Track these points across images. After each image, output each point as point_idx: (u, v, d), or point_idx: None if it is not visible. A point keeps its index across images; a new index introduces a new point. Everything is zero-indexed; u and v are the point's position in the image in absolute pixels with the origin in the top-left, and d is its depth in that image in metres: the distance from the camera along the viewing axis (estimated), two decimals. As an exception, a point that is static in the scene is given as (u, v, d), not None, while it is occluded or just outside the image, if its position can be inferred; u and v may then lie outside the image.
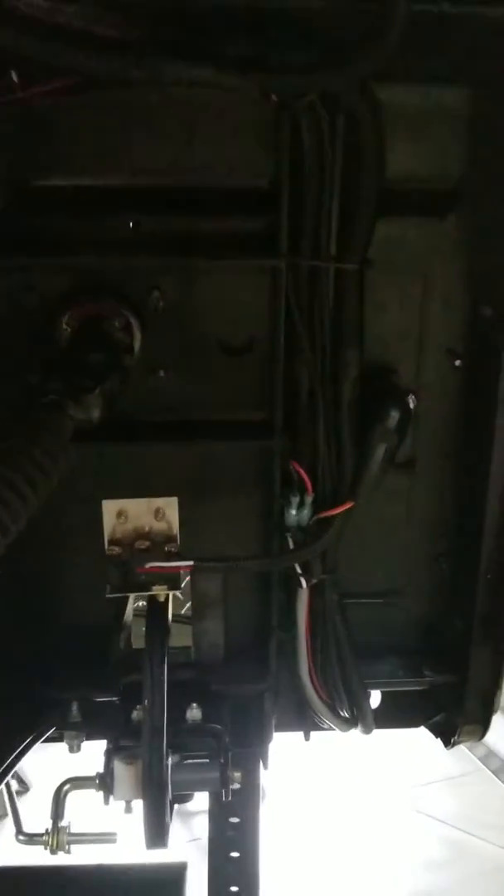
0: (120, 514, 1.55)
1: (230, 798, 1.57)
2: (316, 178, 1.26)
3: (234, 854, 2.02)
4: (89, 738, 1.75)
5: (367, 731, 1.74)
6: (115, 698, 1.68)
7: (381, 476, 1.45)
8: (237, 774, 1.58)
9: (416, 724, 1.83)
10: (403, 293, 1.42)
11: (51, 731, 1.71)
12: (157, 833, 1.48)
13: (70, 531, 1.58)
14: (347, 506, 1.45)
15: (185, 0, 1.07)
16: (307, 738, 1.78)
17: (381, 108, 1.24)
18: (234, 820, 2.05)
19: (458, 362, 1.47)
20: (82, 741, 1.77)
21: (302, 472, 1.45)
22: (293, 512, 1.47)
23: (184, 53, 1.06)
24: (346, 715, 1.68)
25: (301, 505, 1.47)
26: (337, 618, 1.58)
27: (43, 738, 1.70)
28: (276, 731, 1.77)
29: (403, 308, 1.43)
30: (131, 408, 1.47)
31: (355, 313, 1.35)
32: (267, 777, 1.84)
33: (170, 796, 1.53)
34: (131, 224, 1.33)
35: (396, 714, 1.80)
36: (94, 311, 1.37)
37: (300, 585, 1.54)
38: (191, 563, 1.49)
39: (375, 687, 1.70)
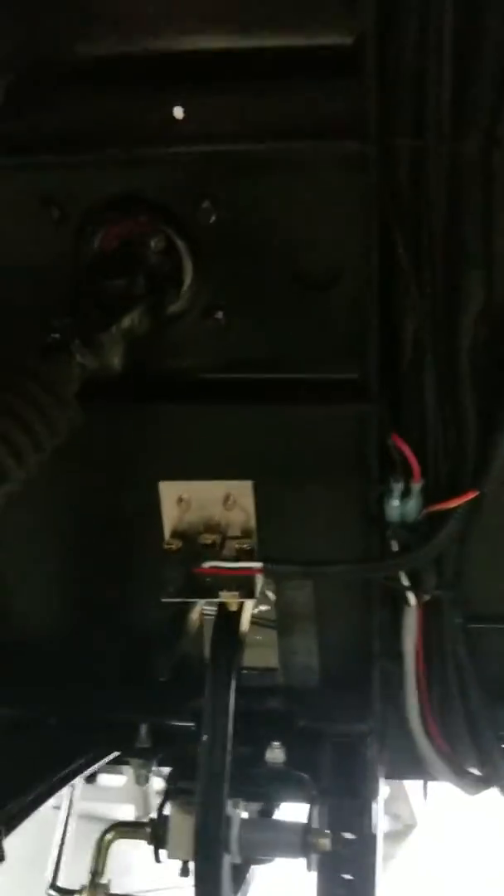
0: (181, 499, 1.23)
1: (314, 868, 1.21)
2: (415, 21, 0.86)
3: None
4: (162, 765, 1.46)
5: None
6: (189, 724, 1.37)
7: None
8: (326, 839, 1.22)
9: None
10: None
11: (110, 757, 1.43)
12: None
13: (125, 519, 1.27)
14: (469, 496, 1.04)
15: None
16: (425, 793, 1.39)
17: None
18: (348, 877, 1.71)
19: None
20: (150, 771, 1.48)
21: (406, 450, 1.05)
22: (396, 503, 1.08)
23: None
24: (475, 771, 1.28)
25: (406, 494, 1.07)
26: (460, 647, 1.17)
27: (98, 765, 1.42)
28: (391, 777, 1.40)
29: None
30: (184, 360, 1.13)
31: (481, 220, 0.93)
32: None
33: (236, 859, 1.21)
34: (169, 105, 0.97)
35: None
36: (126, 235, 1.03)
37: (407, 602, 1.15)
38: (259, 565, 1.14)
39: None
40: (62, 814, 1.48)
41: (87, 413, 0.94)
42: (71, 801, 1.51)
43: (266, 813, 1.31)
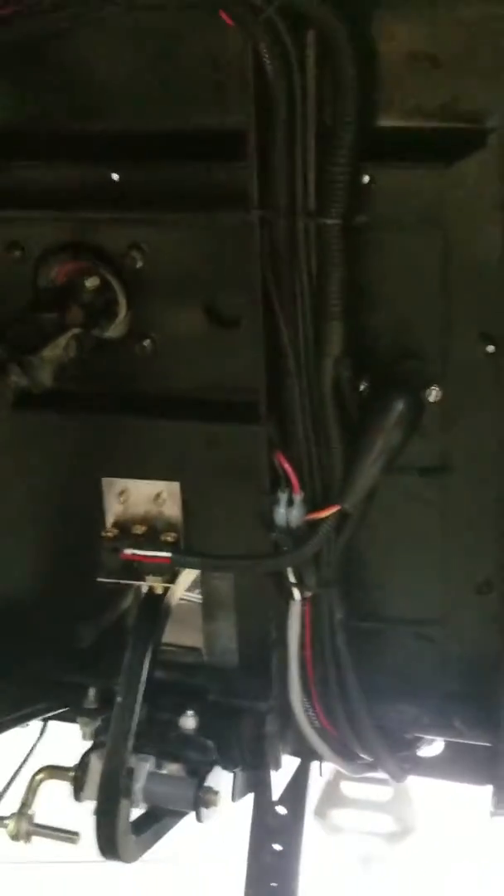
0: (121, 493, 1.45)
1: (201, 821, 1.41)
2: (284, 116, 1.06)
3: (273, 884, 1.86)
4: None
5: (395, 778, 1.49)
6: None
7: (378, 479, 1.21)
8: (215, 796, 1.41)
9: (480, 782, 1.54)
10: (419, 258, 1.16)
11: (60, 710, 1.66)
12: (107, 841, 1.36)
13: (74, 507, 1.50)
14: (333, 509, 1.22)
15: None
16: (321, 771, 1.56)
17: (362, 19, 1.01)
18: (277, 847, 1.89)
19: (491, 348, 1.18)
20: (97, 728, 1.70)
21: (286, 465, 1.24)
22: (281, 510, 1.27)
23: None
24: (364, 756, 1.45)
25: (290, 504, 1.27)
26: (339, 641, 1.35)
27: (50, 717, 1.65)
28: (296, 756, 1.58)
29: (420, 277, 1.17)
30: (121, 380, 1.36)
31: (338, 279, 1.12)
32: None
33: (136, 805, 1.41)
34: (113, 176, 1.20)
35: (459, 765, 1.53)
36: (73, 272, 1.27)
37: (291, 597, 1.34)
38: (167, 554, 1.35)
39: (393, 730, 1.44)
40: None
41: (42, 419, 1.18)
42: (32, 748, 1.73)
43: (176, 772, 1.50)
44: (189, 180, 1.18)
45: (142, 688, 1.41)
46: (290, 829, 1.85)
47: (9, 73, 1.18)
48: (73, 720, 1.66)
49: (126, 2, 0.95)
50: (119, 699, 1.40)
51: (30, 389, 1.18)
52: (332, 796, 2.16)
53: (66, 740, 1.61)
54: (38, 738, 1.68)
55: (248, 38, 1.03)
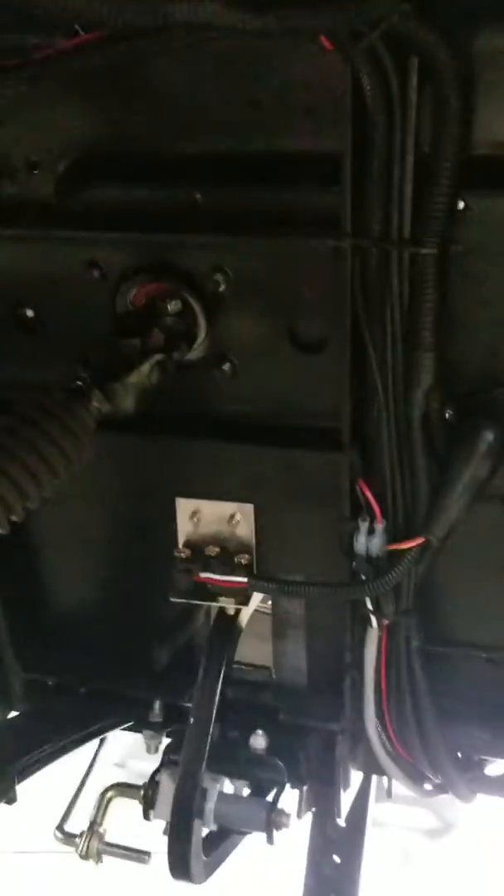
0: (194, 514, 1.44)
1: (272, 843, 1.41)
2: (382, 143, 1.03)
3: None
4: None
5: (464, 800, 1.48)
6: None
7: (465, 510, 1.19)
8: (286, 818, 1.41)
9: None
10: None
11: (126, 724, 1.66)
12: (179, 862, 1.36)
13: (148, 526, 1.49)
14: (417, 541, 1.20)
15: None
16: (389, 794, 1.55)
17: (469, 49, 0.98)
18: (337, 859, 1.89)
19: None
20: (160, 743, 1.70)
21: (369, 494, 1.22)
22: (362, 539, 1.25)
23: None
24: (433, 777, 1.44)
25: (371, 532, 1.25)
26: (416, 667, 1.33)
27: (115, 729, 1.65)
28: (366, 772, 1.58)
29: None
30: (199, 401, 1.34)
31: (432, 309, 1.09)
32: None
33: (209, 826, 1.41)
34: (197, 196, 1.18)
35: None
36: (153, 293, 1.25)
37: (370, 624, 1.32)
38: (244, 580, 1.34)
39: (469, 754, 1.43)
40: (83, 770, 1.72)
41: (118, 439, 1.17)
42: (94, 760, 1.74)
43: (254, 794, 1.50)
44: (276, 204, 1.15)
45: (215, 708, 1.40)
46: (351, 841, 1.84)
47: (95, 95, 1.15)
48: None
49: (225, 30, 0.92)
50: (193, 719, 1.40)
51: (114, 415, 1.17)
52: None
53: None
54: (96, 756, 1.69)
55: (349, 64, 0.99)
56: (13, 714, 1.66)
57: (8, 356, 1.38)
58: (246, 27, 0.90)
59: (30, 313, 1.34)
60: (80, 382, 1.14)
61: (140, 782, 1.46)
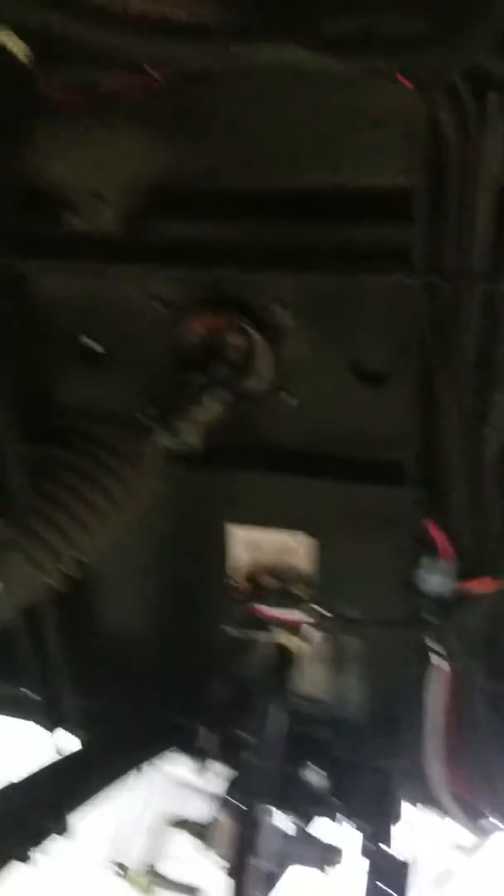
0: (250, 544, 1.43)
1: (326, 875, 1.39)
2: (457, 180, 1.01)
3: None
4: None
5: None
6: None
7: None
8: (339, 856, 1.38)
9: None
10: None
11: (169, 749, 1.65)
12: (237, 901, 1.34)
13: (203, 554, 1.48)
14: (488, 583, 1.17)
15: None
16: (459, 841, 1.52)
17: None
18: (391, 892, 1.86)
19: None
20: (208, 770, 1.69)
21: (436, 532, 1.20)
22: (428, 577, 1.23)
23: (270, 33, 0.88)
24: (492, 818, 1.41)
25: (437, 570, 1.22)
26: (482, 710, 1.30)
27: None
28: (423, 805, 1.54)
29: None
30: (257, 433, 1.32)
31: (507, 348, 1.06)
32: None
33: (266, 864, 1.39)
34: (255, 231, 1.17)
35: None
36: (214, 325, 1.24)
37: (433, 660, 1.29)
38: (301, 614, 1.32)
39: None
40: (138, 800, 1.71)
41: (176, 468, 1.17)
42: (150, 788, 1.74)
43: (301, 827, 1.48)
44: (342, 239, 1.14)
45: (273, 745, 1.38)
46: (404, 872, 1.82)
47: (161, 131, 1.14)
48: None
49: (307, 72, 0.90)
50: (251, 756, 1.38)
51: (178, 450, 1.16)
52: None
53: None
54: (152, 788, 1.69)
55: (427, 102, 0.97)
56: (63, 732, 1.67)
57: (71, 386, 1.38)
58: (330, 70, 0.88)
59: (92, 344, 1.34)
60: (145, 417, 1.13)
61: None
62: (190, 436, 1.15)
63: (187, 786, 1.85)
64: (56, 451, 1.28)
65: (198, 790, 1.76)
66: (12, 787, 1.30)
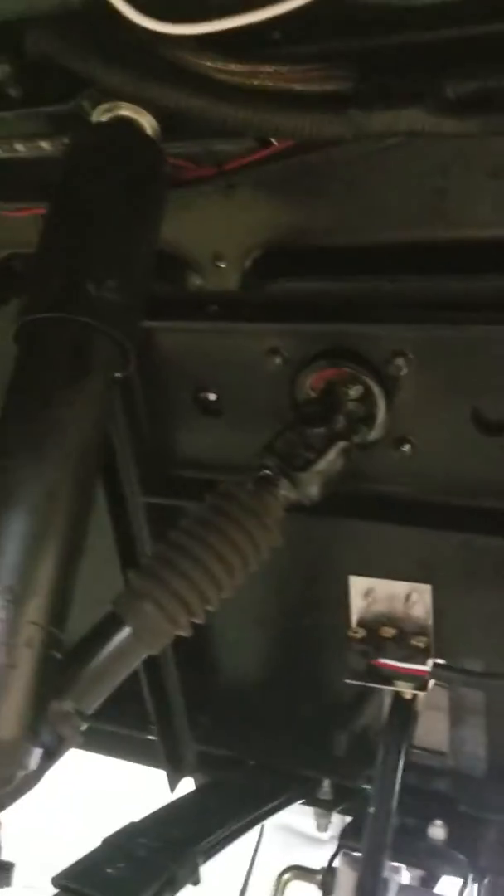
0: (368, 593, 1.43)
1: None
2: None
3: None
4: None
5: None
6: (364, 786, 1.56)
7: None
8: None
9: None
10: None
11: (296, 801, 1.65)
12: None
13: (321, 603, 1.49)
14: None
15: (394, 38, 0.91)
16: None
17: None
18: None
19: None
20: (329, 821, 1.68)
21: None
22: None
23: (391, 98, 0.91)
24: None
25: None
26: None
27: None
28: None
29: None
30: (374, 482, 1.33)
31: None
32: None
33: (390, 918, 1.37)
34: (374, 284, 1.19)
35: None
36: (331, 377, 1.26)
37: None
38: (427, 668, 1.31)
39: None
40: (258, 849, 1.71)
41: (293, 518, 1.19)
42: (259, 839, 1.73)
43: (426, 881, 1.46)
44: (460, 290, 1.14)
45: (395, 797, 1.37)
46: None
47: (282, 193, 1.18)
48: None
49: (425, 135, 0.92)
50: (373, 808, 1.37)
51: (300, 502, 1.18)
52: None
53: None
54: (271, 837, 1.68)
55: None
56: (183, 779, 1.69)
57: (192, 437, 1.42)
58: (450, 132, 0.90)
59: (212, 397, 1.39)
60: (268, 469, 1.16)
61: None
62: (312, 487, 1.17)
63: (306, 836, 1.85)
64: (185, 504, 1.33)
65: (316, 840, 1.74)
66: (138, 831, 1.32)
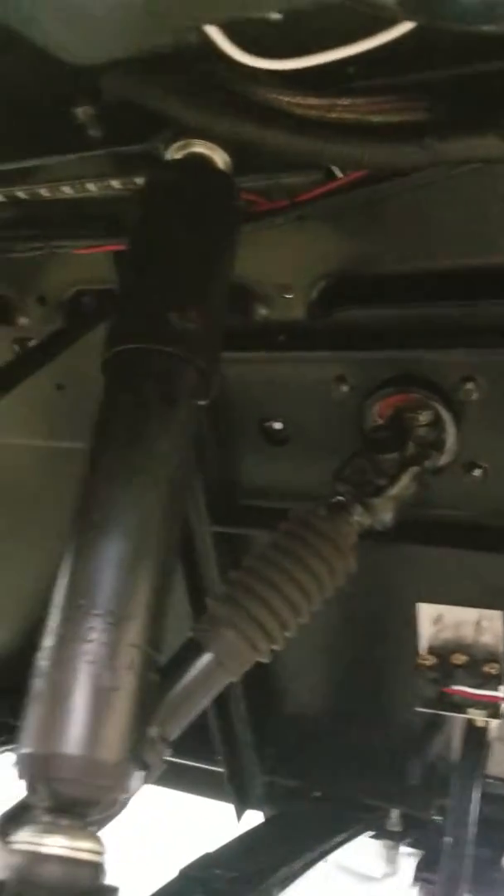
0: (437, 620, 1.42)
1: None
2: None
3: None
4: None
5: None
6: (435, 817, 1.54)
7: None
8: None
9: None
10: None
11: (364, 833, 1.63)
12: None
13: (390, 631, 1.48)
14: None
15: (469, 67, 0.93)
16: None
17: None
18: None
19: None
20: (397, 853, 1.66)
21: None
22: None
23: (467, 126, 0.93)
24: None
25: None
26: None
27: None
28: None
29: None
30: (445, 507, 1.33)
31: None
32: None
33: None
34: (441, 311, 1.20)
35: None
36: (400, 404, 1.27)
37: None
38: (501, 695, 1.30)
39: None
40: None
41: (362, 544, 1.19)
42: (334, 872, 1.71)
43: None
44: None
45: (472, 828, 1.35)
46: None
47: (350, 223, 1.20)
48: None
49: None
50: (450, 839, 1.35)
51: (374, 528, 1.18)
52: None
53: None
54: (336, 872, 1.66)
55: None
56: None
57: (257, 466, 1.44)
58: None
59: (278, 426, 1.40)
60: (341, 497, 1.16)
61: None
62: (386, 513, 1.18)
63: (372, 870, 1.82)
64: (251, 532, 1.34)
65: (384, 874, 1.71)
66: (214, 863, 1.31)
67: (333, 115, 0.95)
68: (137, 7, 0.58)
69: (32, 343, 1.53)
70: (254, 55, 0.79)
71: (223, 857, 1.33)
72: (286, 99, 0.93)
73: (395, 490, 1.18)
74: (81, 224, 1.28)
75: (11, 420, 1.53)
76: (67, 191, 1.20)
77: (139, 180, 1.13)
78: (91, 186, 1.19)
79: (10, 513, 1.66)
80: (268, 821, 1.59)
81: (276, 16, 0.64)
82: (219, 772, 1.66)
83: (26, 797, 0.84)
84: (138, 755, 0.81)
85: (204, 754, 1.65)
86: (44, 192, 1.21)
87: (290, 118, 0.94)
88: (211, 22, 0.70)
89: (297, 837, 1.47)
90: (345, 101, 0.95)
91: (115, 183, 1.17)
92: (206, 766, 1.66)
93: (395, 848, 1.64)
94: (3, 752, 1.76)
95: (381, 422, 1.29)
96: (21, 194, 1.23)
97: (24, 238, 1.33)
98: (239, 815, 1.68)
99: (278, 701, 1.62)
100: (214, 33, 0.74)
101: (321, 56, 0.80)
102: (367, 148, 0.94)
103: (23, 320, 1.47)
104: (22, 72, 0.94)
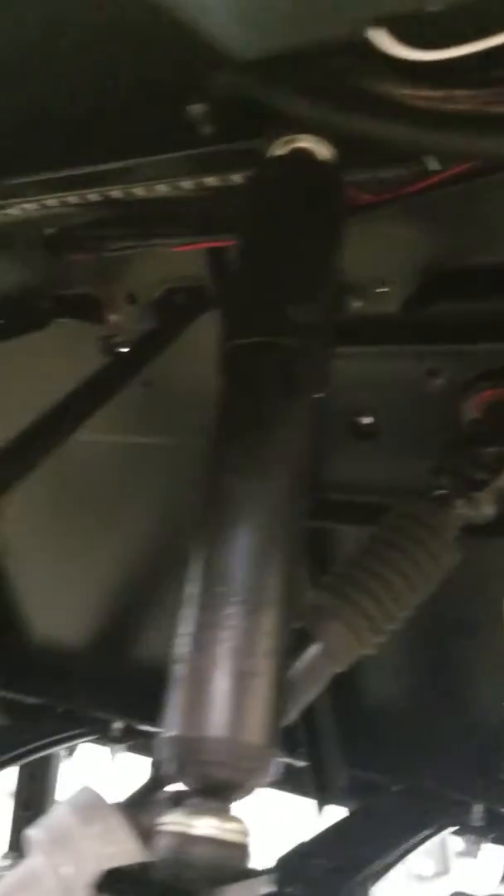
0: (527, 615, 1.41)
1: None
2: None
3: None
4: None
5: None
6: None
7: None
8: None
9: None
10: None
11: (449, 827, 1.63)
12: None
13: (472, 625, 1.48)
14: None
15: None
16: None
17: None
18: None
19: None
20: (479, 849, 1.65)
21: None
22: None
23: None
24: None
25: None
26: None
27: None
28: None
29: None
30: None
31: None
32: None
33: None
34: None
35: None
36: (495, 397, 1.27)
37: None
38: None
39: None
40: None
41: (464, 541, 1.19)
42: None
43: None
44: None
45: None
46: None
47: (448, 216, 1.20)
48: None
49: None
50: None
51: (474, 521, 1.18)
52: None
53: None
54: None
55: None
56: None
57: (346, 461, 1.44)
58: None
59: (367, 421, 1.40)
60: (446, 489, 1.17)
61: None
62: (488, 506, 1.17)
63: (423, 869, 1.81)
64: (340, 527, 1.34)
65: (435, 873, 1.70)
66: (309, 853, 1.32)
67: (451, 106, 0.96)
68: (324, 1, 0.59)
69: (117, 340, 1.55)
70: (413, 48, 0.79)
71: (319, 847, 1.34)
72: (404, 92, 0.94)
73: (498, 483, 1.18)
74: (174, 222, 1.29)
75: (99, 417, 1.55)
76: (162, 189, 1.21)
77: (236, 177, 1.14)
78: (186, 184, 1.20)
79: (96, 508, 1.68)
80: (353, 814, 1.60)
81: (434, 7, 0.64)
82: (298, 765, 1.67)
83: (148, 782, 0.86)
84: (278, 741, 0.82)
85: (287, 748, 1.65)
86: (139, 191, 1.23)
87: (408, 111, 0.95)
88: (383, 15, 0.70)
89: (385, 831, 1.47)
90: (463, 93, 0.95)
91: (211, 180, 1.18)
92: (289, 761, 1.66)
93: (478, 843, 1.63)
94: (83, 742, 1.78)
95: (476, 416, 1.29)
96: (116, 194, 1.24)
97: (116, 237, 1.34)
98: (320, 808, 1.68)
99: (364, 694, 1.62)
100: (375, 28, 0.74)
101: (476, 45, 0.80)
102: (487, 139, 0.94)
103: (113, 318, 1.49)
104: (147, 72, 0.96)
